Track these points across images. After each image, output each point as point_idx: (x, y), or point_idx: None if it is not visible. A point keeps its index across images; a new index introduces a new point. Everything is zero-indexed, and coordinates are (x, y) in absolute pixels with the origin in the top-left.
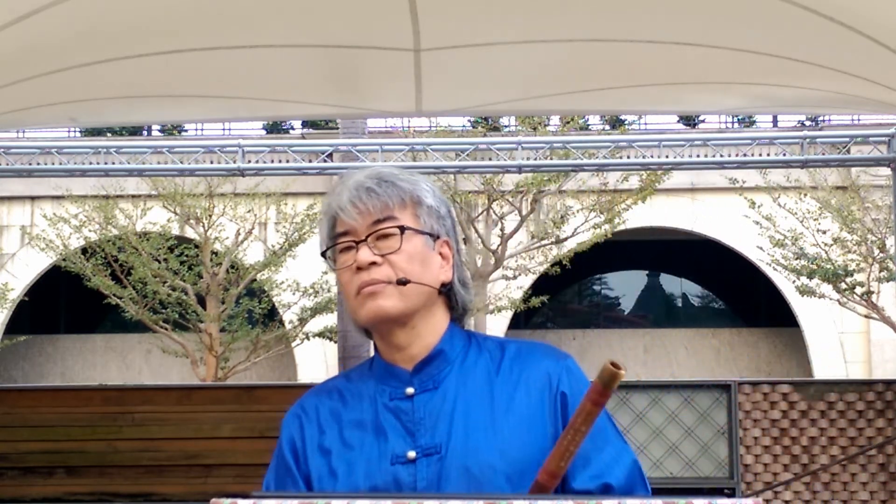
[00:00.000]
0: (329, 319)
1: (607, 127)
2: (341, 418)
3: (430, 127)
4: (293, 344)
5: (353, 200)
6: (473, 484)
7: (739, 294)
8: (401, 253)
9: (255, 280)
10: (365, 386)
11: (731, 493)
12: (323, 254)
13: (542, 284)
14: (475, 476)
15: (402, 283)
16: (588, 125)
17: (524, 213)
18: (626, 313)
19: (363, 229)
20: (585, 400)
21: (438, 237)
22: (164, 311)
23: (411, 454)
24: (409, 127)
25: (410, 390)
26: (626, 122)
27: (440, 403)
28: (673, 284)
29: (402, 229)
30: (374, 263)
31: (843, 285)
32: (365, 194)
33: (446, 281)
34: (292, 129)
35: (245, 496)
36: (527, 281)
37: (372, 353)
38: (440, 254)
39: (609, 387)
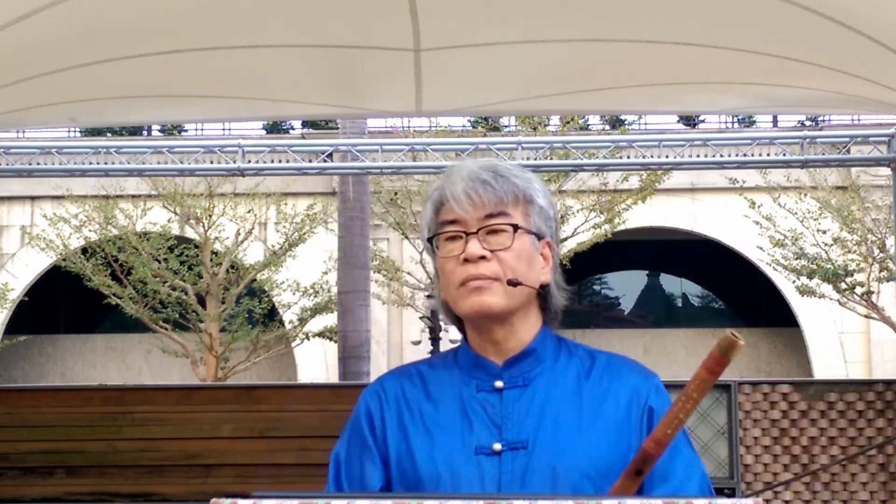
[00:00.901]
0: (329, 319)
1: (607, 127)
2: (423, 403)
3: (430, 127)
4: (293, 344)
5: (467, 191)
6: (557, 483)
7: (739, 294)
8: (510, 251)
9: (255, 280)
10: (449, 374)
11: (731, 493)
12: (429, 240)
13: None
14: (560, 476)
15: (514, 284)
16: (588, 125)
17: None
18: (626, 313)
19: (474, 222)
20: (701, 368)
21: (543, 238)
22: (164, 310)
23: (497, 446)
24: (409, 127)
25: (499, 384)
26: (626, 122)
27: (529, 400)
28: (673, 284)
29: (515, 228)
30: (482, 258)
31: (843, 285)
32: (481, 186)
33: (545, 283)
34: (292, 129)
35: (245, 496)
36: None
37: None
38: (542, 254)
39: (727, 355)
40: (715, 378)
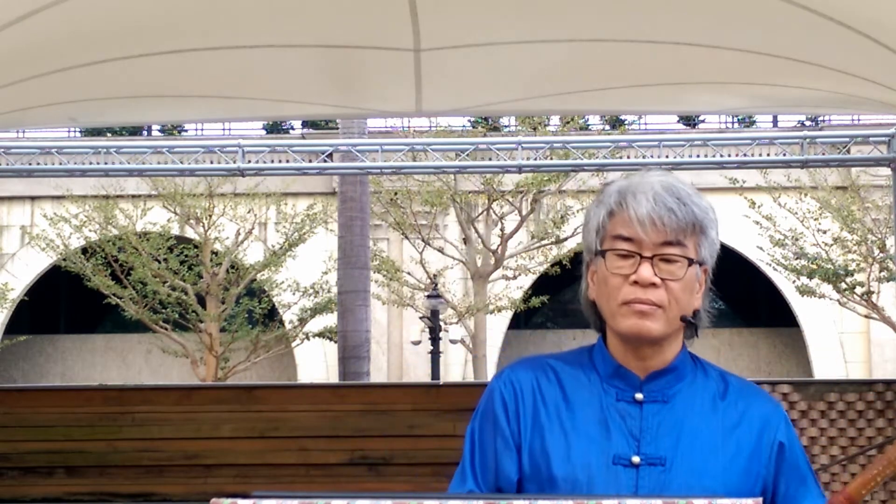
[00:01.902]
0: (329, 319)
1: (607, 127)
2: (559, 402)
3: (430, 127)
4: (293, 344)
5: (652, 216)
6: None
7: (739, 294)
8: (680, 282)
9: (255, 280)
10: (587, 377)
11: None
12: (598, 251)
13: (542, 284)
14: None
15: (685, 321)
16: (588, 125)
17: (524, 213)
18: None
19: (650, 246)
20: None
21: (704, 265)
22: (164, 311)
23: (635, 459)
24: (409, 127)
25: (639, 396)
26: (626, 122)
27: (668, 417)
28: None
29: (690, 262)
30: (652, 284)
31: (843, 285)
32: (666, 213)
33: (697, 308)
34: (292, 129)
35: (245, 496)
36: (527, 281)
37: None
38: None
39: None
40: None
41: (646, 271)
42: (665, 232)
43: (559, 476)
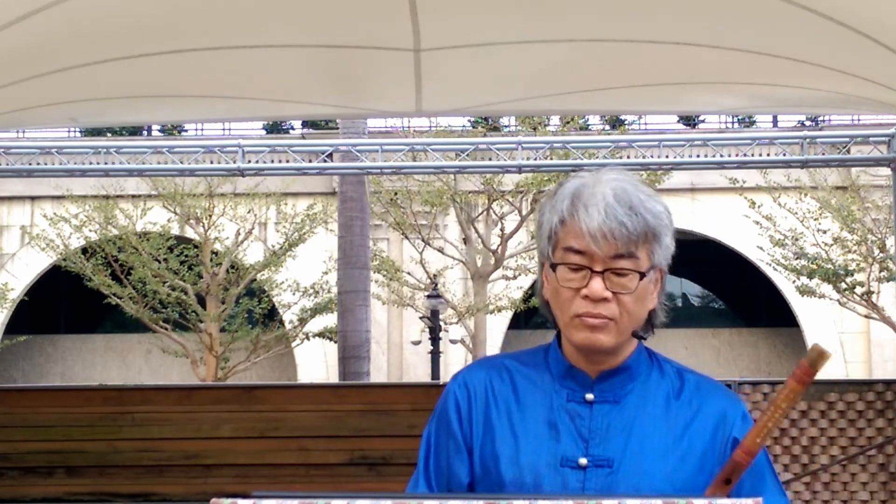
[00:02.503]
0: (329, 319)
1: (607, 127)
2: (510, 403)
3: (430, 127)
4: (293, 344)
5: (603, 229)
6: None
7: (739, 294)
8: (632, 295)
9: (255, 280)
10: (539, 376)
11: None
12: (551, 264)
13: None
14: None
15: (638, 336)
16: (588, 125)
17: (524, 213)
18: None
19: (601, 260)
20: (790, 378)
21: (658, 267)
22: (164, 310)
23: (583, 461)
24: (409, 127)
25: (590, 396)
26: (626, 122)
27: (618, 417)
28: (673, 284)
29: (642, 276)
30: (604, 298)
31: (843, 285)
32: (617, 227)
33: (652, 308)
34: (292, 129)
35: (245, 496)
36: (527, 281)
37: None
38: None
39: (815, 366)
40: (804, 389)
41: (597, 286)
42: (616, 245)
43: (507, 478)
